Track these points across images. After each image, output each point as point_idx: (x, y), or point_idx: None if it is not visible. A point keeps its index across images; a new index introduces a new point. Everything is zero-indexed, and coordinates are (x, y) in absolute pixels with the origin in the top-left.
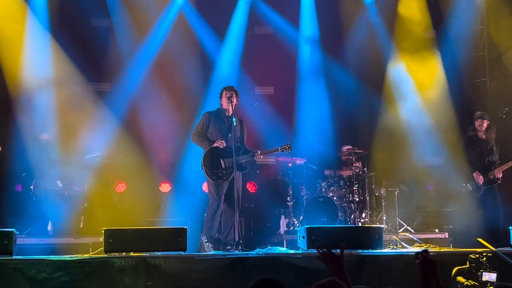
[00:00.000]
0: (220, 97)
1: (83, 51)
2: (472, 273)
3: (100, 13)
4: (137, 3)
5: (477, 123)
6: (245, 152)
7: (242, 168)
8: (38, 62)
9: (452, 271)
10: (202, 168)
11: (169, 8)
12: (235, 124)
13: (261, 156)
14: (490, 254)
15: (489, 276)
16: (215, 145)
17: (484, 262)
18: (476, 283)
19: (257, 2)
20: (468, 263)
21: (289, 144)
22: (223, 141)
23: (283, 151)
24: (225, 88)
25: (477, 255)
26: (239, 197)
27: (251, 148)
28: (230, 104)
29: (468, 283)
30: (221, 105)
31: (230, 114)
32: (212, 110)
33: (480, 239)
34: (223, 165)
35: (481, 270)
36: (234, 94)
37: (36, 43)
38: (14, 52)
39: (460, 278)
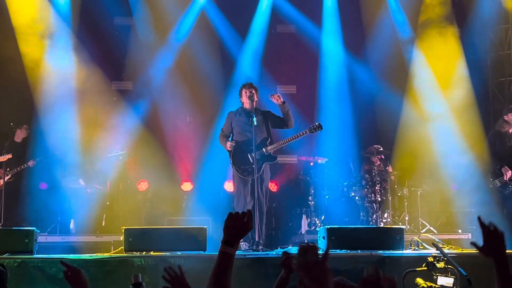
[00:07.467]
0: (240, 95)
1: (106, 49)
2: (429, 276)
3: (122, 12)
4: (159, 1)
5: (507, 117)
6: (272, 141)
7: (271, 158)
8: (60, 61)
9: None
10: (232, 167)
11: (191, 7)
12: (255, 124)
13: (290, 141)
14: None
15: (445, 281)
16: (228, 148)
17: (438, 267)
18: (434, 285)
19: (279, 0)
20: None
21: (319, 123)
22: (233, 143)
23: (312, 132)
24: (244, 86)
25: (433, 259)
26: (267, 192)
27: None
28: (251, 102)
29: (424, 284)
30: (242, 103)
31: (251, 111)
32: (233, 110)
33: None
34: (251, 159)
35: (437, 274)
36: (254, 92)
37: (59, 42)
38: (37, 51)
39: (418, 280)
